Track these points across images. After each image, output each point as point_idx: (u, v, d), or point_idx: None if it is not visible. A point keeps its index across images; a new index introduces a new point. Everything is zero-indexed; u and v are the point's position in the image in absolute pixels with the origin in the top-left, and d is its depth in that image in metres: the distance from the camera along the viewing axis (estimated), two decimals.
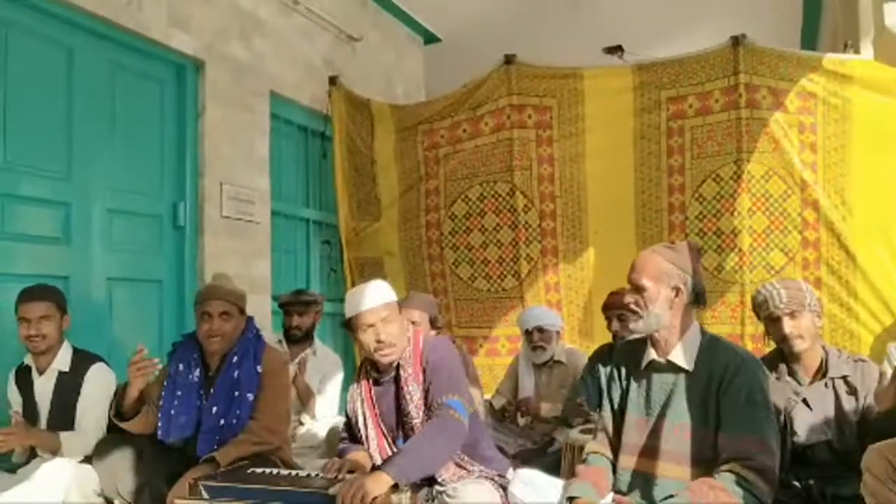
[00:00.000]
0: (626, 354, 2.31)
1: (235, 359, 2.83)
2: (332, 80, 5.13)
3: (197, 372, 2.86)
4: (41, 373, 2.90)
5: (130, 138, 3.87)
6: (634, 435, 2.18)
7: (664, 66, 4.12)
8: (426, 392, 2.38)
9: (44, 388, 2.89)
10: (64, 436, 2.78)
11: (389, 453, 2.40)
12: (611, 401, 2.29)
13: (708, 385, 2.07)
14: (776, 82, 3.81)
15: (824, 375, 2.46)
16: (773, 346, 2.64)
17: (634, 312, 2.15)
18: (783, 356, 2.55)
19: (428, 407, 2.36)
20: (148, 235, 3.97)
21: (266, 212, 4.55)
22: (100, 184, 3.71)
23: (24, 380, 2.93)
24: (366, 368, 2.56)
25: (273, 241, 4.62)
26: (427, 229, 4.87)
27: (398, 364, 2.44)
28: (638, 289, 2.14)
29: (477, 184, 4.67)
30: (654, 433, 2.13)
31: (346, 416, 2.60)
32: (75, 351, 2.95)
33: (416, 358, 2.44)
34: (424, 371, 2.41)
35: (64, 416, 2.84)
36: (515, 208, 4.51)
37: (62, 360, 2.90)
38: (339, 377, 3.92)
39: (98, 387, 2.90)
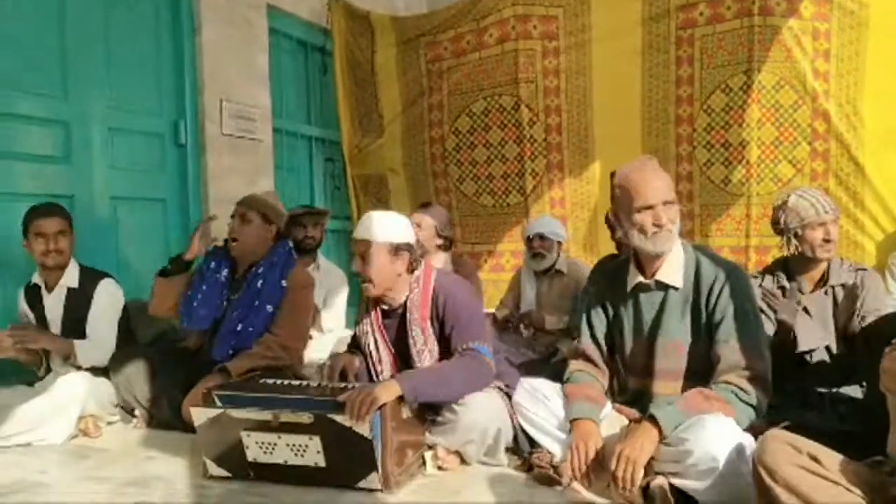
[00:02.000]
0: (609, 277, 2.31)
1: (262, 269, 2.89)
2: None
3: (225, 272, 2.95)
4: (50, 290, 2.94)
5: (127, 56, 3.80)
6: (628, 356, 2.21)
7: None
8: (448, 338, 2.35)
9: (54, 304, 2.94)
10: (77, 342, 2.85)
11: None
12: (601, 323, 2.28)
13: (697, 299, 2.09)
14: None
15: (825, 284, 2.48)
16: (775, 257, 2.65)
17: (667, 230, 2.06)
18: (787, 266, 2.56)
19: (452, 352, 2.34)
20: (150, 154, 3.95)
21: (268, 129, 4.50)
22: (98, 102, 3.66)
23: (33, 297, 2.98)
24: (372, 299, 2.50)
25: (275, 159, 4.59)
26: (431, 145, 4.82)
27: (405, 304, 2.42)
28: (668, 204, 2.07)
29: (481, 98, 4.59)
30: (648, 353, 2.15)
31: (354, 335, 2.62)
32: (83, 268, 2.98)
33: (423, 301, 2.39)
34: (436, 317, 2.38)
35: (75, 330, 2.90)
36: (521, 122, 4.44)
37: (71, 276, 2.94)
38: (345, 292, 3.95)
39: (107, 301, 2.95)
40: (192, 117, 4.08)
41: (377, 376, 2.47)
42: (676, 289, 2.12)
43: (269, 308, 2.84)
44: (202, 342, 2.94)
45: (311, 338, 3.75)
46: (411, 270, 2.42)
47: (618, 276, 2.26)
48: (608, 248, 3.67)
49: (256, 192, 3.07)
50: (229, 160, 4.20)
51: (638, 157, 2.28)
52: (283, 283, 2.87)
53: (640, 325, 2.18)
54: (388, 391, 2.06)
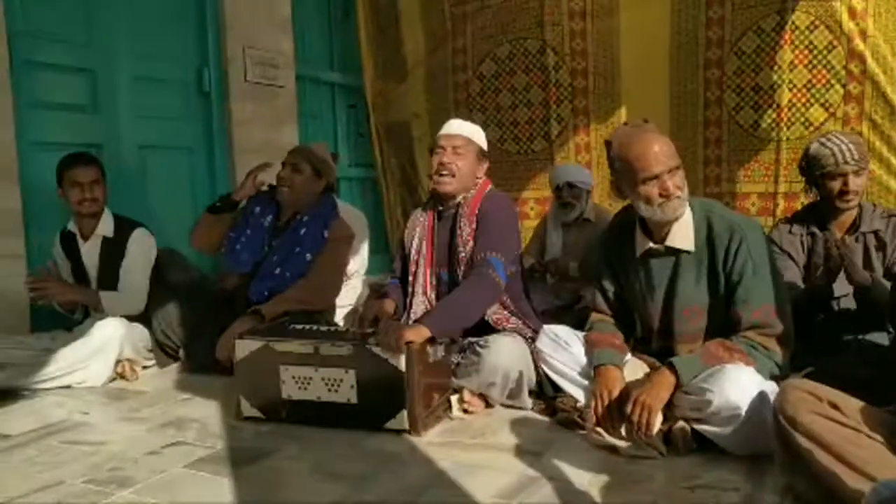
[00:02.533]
0: (618, 240, 2.24)
1: (306, 218, 2.97)
2: None
3: (269, 218, 3.03)
4: (86, 238, 3.01)
5: (150, 4, 3.78)
6: (647, 320, 2.20)
7: None
8: (475, 241, 2.46)
9: (90, 252, 3.01)
10: (104, 294, 2.92)
11: (431, 283, 2.56)
12: (612, 288, 2.28)
13: (712, 261, 2.03)
14: None
15: (857, 230, 2.44)
16: (804, 203, 2.61)
17: (678, 198, 2.00)
18: (816, 213, 2.52)
19: (471, 259, 2.44)
20: (175, 102, 3.96)
21: (291, 75, 4.48)
22: (123, 50, 3.66)
23: (69, 245, 3.04)
24: (433, 200, 2.66)
25: (299, 105, 4.58)
26: (455, 90, 4.76)
27: (459, 202, 2.55)
28: (674, 171, 2.00)
29: (506, 41, 4.51)
30: (666, 317, 2.13)
31: (401, 243, 2.73)
32: (117, 217, 3.04)
33: (474, 202, 2.54)
34: (477, 218, 2.49)
35: (112, 278, 2.97)
36: (546, 66, 4.37)
37: (106, 225, 3.00)
38: (366, 235, 3.96)
39: (141, 250, 3.01)
40: (216, 65, 4.07)
41: (412, 277, 2.59)
42: (689, 252, 2.07)
43: (309, 256, 2.92)
44: (239, 284, 3.01)
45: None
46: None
47: (626, 239, 2.20)
48: None
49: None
50: (253, 107, 4.20)
51: (632, 122, 2.20)
52: (325, 233, 2.95)
53: (655, 291, 2.14)
54: (416, 333, 2.13)
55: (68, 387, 2.70)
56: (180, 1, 3.94)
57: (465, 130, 2.58)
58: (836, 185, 2.40)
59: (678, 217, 2.04)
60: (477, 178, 2.58)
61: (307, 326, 2.42)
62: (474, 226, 2.49)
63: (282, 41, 4.40)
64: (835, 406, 1.50)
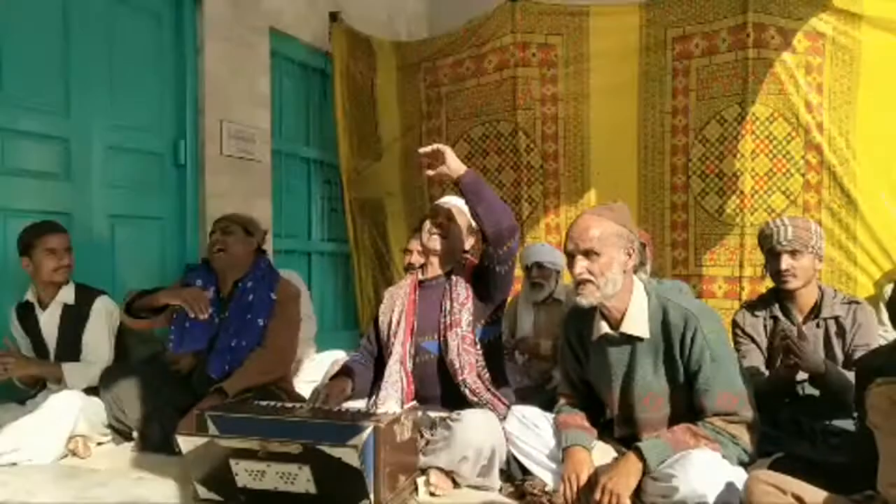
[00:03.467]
0: (578, 324, 2.22)
1: (250, 284, 2.91)
2: (333, 17, 5.03)
3: (212, 290, 2.94)
4: (45, 307, 2.94)
5: (129, 74, 3.82)
6: (609, 405, 2.19)
7: (672, 4, 4.02)
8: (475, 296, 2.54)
9: (49, 321, 2.94)
10: (66, 366, 2.84)
11: (410, 355, 2.55)
12: (576, 372, 2.29)
13: (669, 350, 2.02)
14: (785, 21, 3.73)
15: (817, 315, 2.49)
16: (769, 286, 2.67)
17: (586, 282, 1.99)
18: (778, 295, 2.57)
19: (489, 257, 2.48)
20: (149, 173, 3.96)
21: (267, 150, 4.53)
22: (99, 120, 3.68)
23: (27, 316, 2.97)
24: (416, 275, 2.72)
25: (274, 180, 4.61)
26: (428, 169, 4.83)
27: (450, 271, 2.62)
28: (588, 254, 1.98)
29: (479, 123, 4.63)
30: (626, 403, 2.11)
31: (376, 318, 2.73)
32: (78, 285, 2.99)
33: (468, 270, 2.61)
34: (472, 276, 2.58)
35: (72, 348, 2.90)
36: (518, 149, 4.48)
37: (67, 293, 2.94)
38: (308, 295, 3.93)
39: (103, 319, 2.95)
40: (192, 137, 4.10)
41: (388, 349, 2.58)
42: (642, 340, 2.05)
43: (261, 322, 2.85)
44: (196, 363, 2.92)
45: (300, 362, 3.76)
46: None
47: (586, 323, 2.17)
48: None
49: (248, 212, 3.09)
50: (228, 180, 4.22)
51: (606, 203, 2.23)
52: (273, 295, 2.89)
53: (613, 377, 2.11)
54: (455, 160, 2.52)
55: (14, 464, 2.57)
56: (160, 74, 4.00)
57: (452, 203, 2.69)
58: (774, 264, 2.49)
59: (594, 302, 2.02)
60: (465, 251, 2.69)
61: (270, 403, 2.35)
62: (471, 290, 2.54)
63: (260, 116, 4.47)
64: (799, 499, 1.50)
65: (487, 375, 2.51)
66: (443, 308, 2.54)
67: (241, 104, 4.33)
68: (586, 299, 2.01)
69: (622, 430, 2.18)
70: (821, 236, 2.52)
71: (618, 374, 2.11)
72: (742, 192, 3.86)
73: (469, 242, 2.68)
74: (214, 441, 2.09)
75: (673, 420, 2.04)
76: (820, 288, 2.54)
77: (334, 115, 5.10)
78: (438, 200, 2.74)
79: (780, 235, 2.47)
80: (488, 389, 2.47)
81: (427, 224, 2.67)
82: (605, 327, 2.09)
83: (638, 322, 2.04)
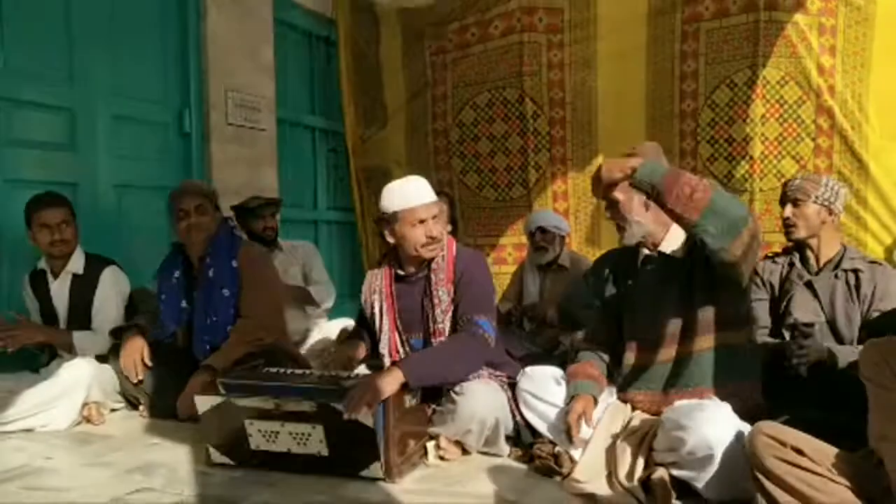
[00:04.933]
0: (619, 257, 2.36)
1: (209, 259, 2.85)
2: None
3: (177, 274, 2.91)
4: (56, 276, 2.96)
5: (133, 44, 3.80)
6: (639, 330, 2.22)
7: None
8: (455, 305, 2.39)
9: (59, 290, 2.96)
10: (76, 334, 2.86)
11: (400, 349, 2.48)
12: (609, 302, 2.33)
13: (693, 267, 2.09)
14: None
15: (836, 267, 2.48)
16: (777, 252, 2.68)
17: (620, 227, 2.16)
18: (799, 246, 2.58)
19: (456, 320, 2.38)
20: (154, 143, 3.95)
21: (272, 119, 4.50)
22: (103, 90, 3.66)
23: (39, 284, 2.99)
24: (390, 261, 2.56)
25: (279, 149, 4.59)
26: (434, 137, 4.81)
27: (428, 265, 2.45)
28: (611, 203, 2.14)
29: (485, 90, 4.58)
30: (652, 321, 2.16)
31: (361, 305, 2.63)
32: (88, 255, 3.00)
33: (448, 265, 2.44)
34: (456, 282, 2.41)
35: (81, 316, 2.92)
36: (524, 115, 4.44)
37: (76, 263, 2.95)
38: (320, 260, 3.93)
39: (112, 288, 2.97)
40: (197, 106, 4.08)
41: (378, 337, 2.51)
42: (681, 259, 2.13)
43: (226, 292, 2.80)
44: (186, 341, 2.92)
45: (309, 330, 3.77)
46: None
47: (628, 254, 2.29)
48: (611, 241, 3.66)
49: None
50: (233, 149, 4.21)
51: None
52: (234, 263, 2.83)
53: (653, 297, 2.18)
54: (390, 382, 2.07)
55: (31, 430, 2.61)
56: (163, 43, 3.97)
57: (431, 195, 2.47)
58: (784, 213, 2.56)
59: (633, 242, 2.19)
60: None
61: (279, 370, 2.37)
62: (453, 294, 2.41)
63: (264, 85, 4.44)
64: (799, 451, 1.52)
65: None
66: (424, 308, 2.45)
67: (246, 72, 4.29)
68: (625, 239, 2.18)
69: (641, 355, 2.20)
70: (834, 191, 2.52)
71: (658, 292, 2.16)
72: (752, 158, 3.83)
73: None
74: (230, 401, 2.12)
75: (685, 331, 2.09)
76: (843, 246, 2.56)
77: (339, 82, 5.06)
78: (416, 200, 2.43)
79: (788, 186, 2.57)
80: (487, 365, 2.42)
81: (420, 229, 2.46)
82: (645, 250, 2.22)
83: (675, 243, 2.16)
